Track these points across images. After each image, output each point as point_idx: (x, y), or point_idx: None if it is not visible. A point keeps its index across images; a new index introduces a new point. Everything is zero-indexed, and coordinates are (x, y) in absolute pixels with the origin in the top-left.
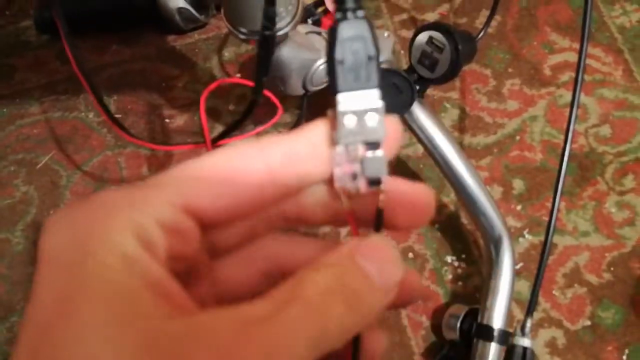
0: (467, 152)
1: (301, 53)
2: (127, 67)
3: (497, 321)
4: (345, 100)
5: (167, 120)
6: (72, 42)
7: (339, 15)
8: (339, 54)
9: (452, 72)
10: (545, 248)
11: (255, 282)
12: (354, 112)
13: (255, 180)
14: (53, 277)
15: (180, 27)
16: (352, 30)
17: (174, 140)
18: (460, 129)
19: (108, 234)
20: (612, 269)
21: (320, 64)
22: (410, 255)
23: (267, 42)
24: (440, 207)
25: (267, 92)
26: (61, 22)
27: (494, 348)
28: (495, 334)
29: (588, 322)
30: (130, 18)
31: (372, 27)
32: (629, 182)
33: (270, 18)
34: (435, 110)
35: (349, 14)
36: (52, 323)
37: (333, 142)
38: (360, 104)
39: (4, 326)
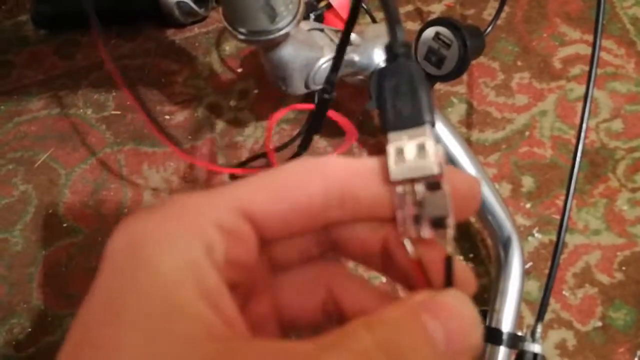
0: (475, 148)
1: (303, 51)
2: (126, 62)
3: (506, 324)
4: (398, 138)
5: (167, 117)
6: (101, 35)
7: (387, 57)
8: (387, 93)
9: (460, 69)
10: (556, 250)
11: (315, 311)
12: (407, 149)
13: (310, 191)
14: (106, 280)
15: (180, 21)
16: (398, 69)
17: (173, 138)
18: (467, 125)
19: (166, 239)
20: (624, 268)
21: (323, 62)
22: None
23: (324, 104)
24: None
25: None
26: (91, 14)
27: (502, 352)
28: (505, 337)
29: (599, 323)
30: (130, 12)
31: (419, 68)
32: None
33: (331, 83)
34: (441, 107)
35: (398, 58)
36: (97, 325)
37: (390, 181)
38: (413, 140)
39: (3, 328)
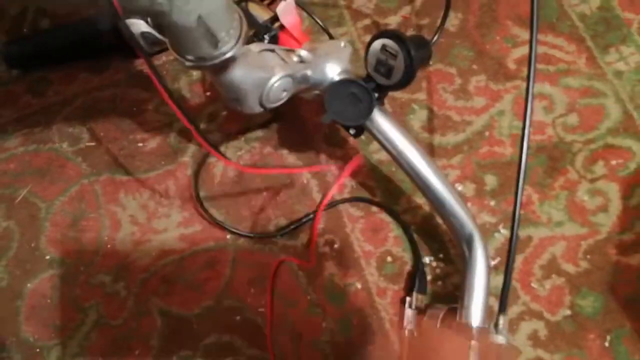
0: (438, 151)
1: (254, 73)
2: (96, 95)
3: (475, 319)
4: None
5: (140, 144)
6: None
7: None
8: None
9: (408, 77)
10: (511, 245)
11: None
12: None
13: None
14: None
15: (145, 51)
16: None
17: (146, 164)
18: (429, 130)
19: None
20: (588, 256)
21: (275, 81)
22: (389, 258)
23: None
24: (415, 208)
25: None
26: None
27: (474, 346)
28: (474, 332)
29: (568, 312)
30: (97, 47)
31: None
32: (599, 168)
33: None
34: (402, 114)
35: None
36: None
37: None
38: None
39: None
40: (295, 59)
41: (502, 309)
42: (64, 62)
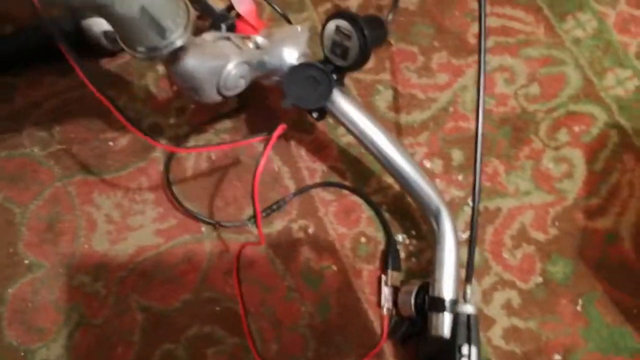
0: (405, 130)
1: (207, 61)
2: (64, 97)
3: (447, 292)
4: None
5: (110, 143)
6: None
7: None
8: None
9: (363, 57)
10: (473, 216)
11: None
12: None
13: None
14: None
15: (109, 49)
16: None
17: (118, 163)
18: (395, 109)
19: None
20: (556, 223)
21: (231, 68)
22: (363, 239)
23: None
24: (385, 188)
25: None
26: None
27: (447, 318)
28: (447, 304)
29: (540, 279)
30: (59, 49)
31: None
32: (562, 136)
33: None
34: (368, 96)
35: None
36: None
37: None
38: None
39: None
40: (251, 45)
41: (468, 278)
42: (29, 66)
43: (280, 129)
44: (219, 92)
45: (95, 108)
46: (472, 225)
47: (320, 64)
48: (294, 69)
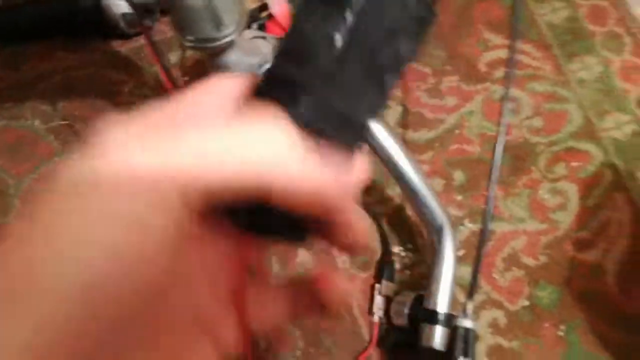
0: (410, 147)
1: (247, 58)
2: (73, 73)
3: (442, 305)
4: None
5: None
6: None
7: None
8: None
9: None
10: (483, 236)
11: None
12: None
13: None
14: None
15: (125, 32)
16: None
17: None
18: (403, 125)
19: None
20: (547, 251)
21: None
22: None
23: None
24: (386, 200)
25: None
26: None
27: (439, 330)
28: (440, 317)
29: (526, 302)
30: (75, 24)
31: None
32: (560, 169)
33: None
34: None
35: None
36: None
37: None
38: None
39: None
40: None
41: (471, 295)
42: (41, 38)
43: None
44: None
45: (102, 88)
46: (480, 245)
47: None
48: None
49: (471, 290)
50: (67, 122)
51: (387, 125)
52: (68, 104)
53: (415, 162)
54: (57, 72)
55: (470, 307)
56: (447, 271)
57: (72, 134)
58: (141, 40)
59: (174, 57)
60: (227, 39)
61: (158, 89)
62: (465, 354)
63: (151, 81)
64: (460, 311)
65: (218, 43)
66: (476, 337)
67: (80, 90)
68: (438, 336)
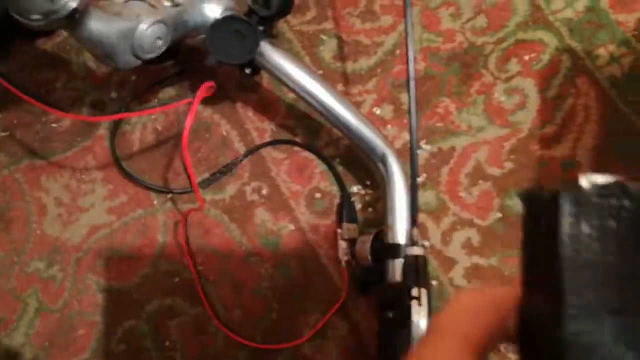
0: (352, 78)
1: (115, 23)
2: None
3: (402, 237)
4: None
5: (54, 125)
6: None
7: None
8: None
9: (287, 3)
10: (412, 157)
11: None
12: None
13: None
14: None
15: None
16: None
17: (63, 144)
18: (341, 58)
19: None
20: (512, 157)
21: (145, 28)
22: (318, 195)
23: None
24: (336, 140)
25: None
26: None
27: (401, 263)
28: (402, 250)
29: (499, 214)
30: None
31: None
32: (513, 66)
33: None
34: (312, 47)
35: None
36: None
37: None
38: None
39: None
40: (167, 3)
41: (414, 220)
42: None
43: (204, 88)
44: (137, 56)
45: (35, 91)
46: (413, 165)
47: (244, 16)
48: (216, 24)
49: (412, 214)
50: (7, 133)
51: (300, 62)
52: (6, 114)
53: (339, 93)
54: None
55: (415, 233)
56: (401, 201)
57: (16, 143)
58: (63, 33)
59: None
60: (70, 7)
61: (89, 78)
62: (417, 283)
63: (81, 72)
64: (407, 239)
65: (61, 14)
66: (426, 263)
67: (15, 98)
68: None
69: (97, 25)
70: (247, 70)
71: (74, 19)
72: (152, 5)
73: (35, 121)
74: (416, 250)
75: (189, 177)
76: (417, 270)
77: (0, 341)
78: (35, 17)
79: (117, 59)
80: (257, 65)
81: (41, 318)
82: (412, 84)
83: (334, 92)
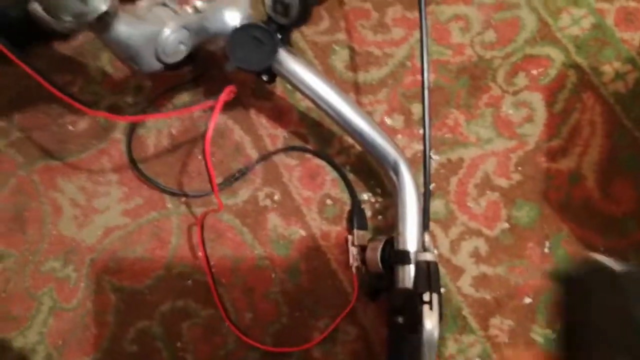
0: (364, 88)
1: (141, 27)
2: (18, 86)
3: (412, 244)
4: None
5: (70, 127)
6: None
7: None
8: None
9: (305, 12)
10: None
11: None
12: None
13: None
14: None
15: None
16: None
17: (79, 146)
18: (352, 68)
19: None
20: (519, 168)
21: (168, 34)
22: (329, 201)
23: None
24: (348, 148)
25: None
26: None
27: (413, 270)
28: (412, 256)
29: (506, 225)
30: (12, 36)
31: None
32: (521, 80)
33: None
34: (324, 57)
35: None
36: None
37: None
38: None
39: None
40: (189, 10)
41: (425, 226)
42: None
43: (226, 91)
44: (159, 59)
45: (52, 94)
46: (425, 173)
47: (263, 24)
48: (236, 31)
49: (424, 221)
50: (23, 134)
51: (316, 70)
52: (22, 116)
53: (353, 101)
54: (6, 87)
55: (427, 239)
56: (412, 208)
57: (33, 144)
58: (80, 38)
59: None
60: (101, 10)
61: (106, 82)
62: (429, 288)
63: (98, 76)
64: (419, 246)
65: (92, 17)
66: (437, 269)
67: (32, 99)
68: (411, 276)
69: (125, 28)
70: (265, 77)
71: (103, 21)
72: (175, 12)
73: (51, 123)
74: (428, 256)
75: (209, 177)
76: (428, 276)
77: (15, 339)
78: (67, 18)
79: (141, 62)
80: (274, 73)
81: (55, 317)
82: (426, 92)
83: (348, 100)
